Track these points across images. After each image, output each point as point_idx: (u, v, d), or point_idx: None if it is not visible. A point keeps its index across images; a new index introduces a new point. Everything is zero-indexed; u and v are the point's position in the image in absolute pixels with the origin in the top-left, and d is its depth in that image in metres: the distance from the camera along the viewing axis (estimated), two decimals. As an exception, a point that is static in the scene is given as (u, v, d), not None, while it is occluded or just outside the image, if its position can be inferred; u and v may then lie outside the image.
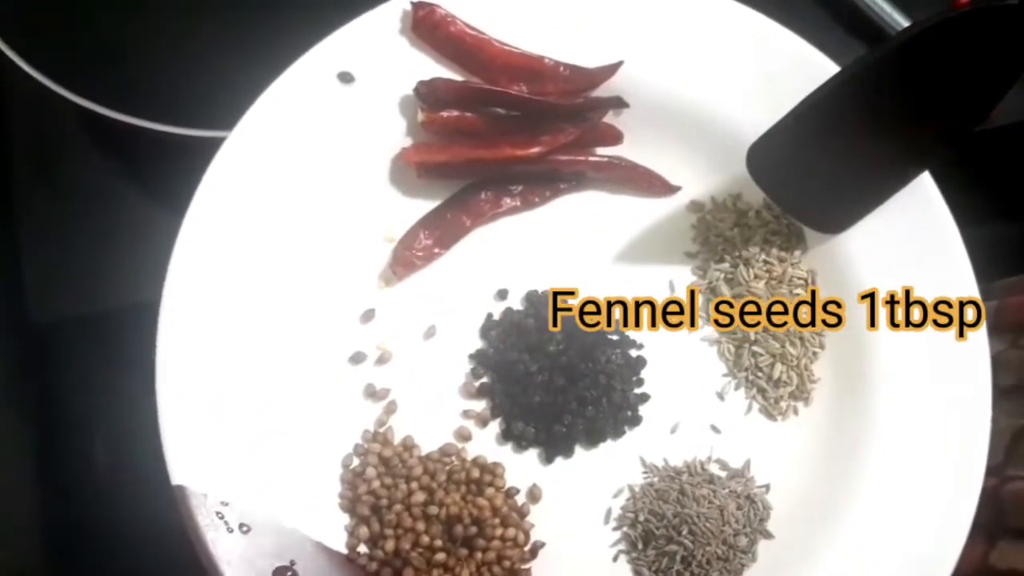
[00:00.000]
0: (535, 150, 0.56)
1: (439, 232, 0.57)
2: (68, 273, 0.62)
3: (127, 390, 0.63)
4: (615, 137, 0.58)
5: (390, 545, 0.51)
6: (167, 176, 0.57)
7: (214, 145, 0.53)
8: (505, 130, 0.57)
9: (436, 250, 0.57)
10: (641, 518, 0.54)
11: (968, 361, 0.54)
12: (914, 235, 0.56)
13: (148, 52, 0.60)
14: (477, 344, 0.57)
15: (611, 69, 0.57)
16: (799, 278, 0.57)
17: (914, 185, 0.55)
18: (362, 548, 0.52)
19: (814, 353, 0.57)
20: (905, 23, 0.62)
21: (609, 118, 0.58)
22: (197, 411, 0.50)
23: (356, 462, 0.54)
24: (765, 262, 0.57)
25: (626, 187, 0.59)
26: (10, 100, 0.64)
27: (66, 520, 0.67)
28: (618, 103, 0.58)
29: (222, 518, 0.49)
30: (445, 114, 0.56)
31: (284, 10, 0.60)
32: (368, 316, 0.56)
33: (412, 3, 0.55)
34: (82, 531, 0.65)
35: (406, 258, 0.56)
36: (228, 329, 0.52)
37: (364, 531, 0.52)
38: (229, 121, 0.53)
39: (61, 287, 0.62)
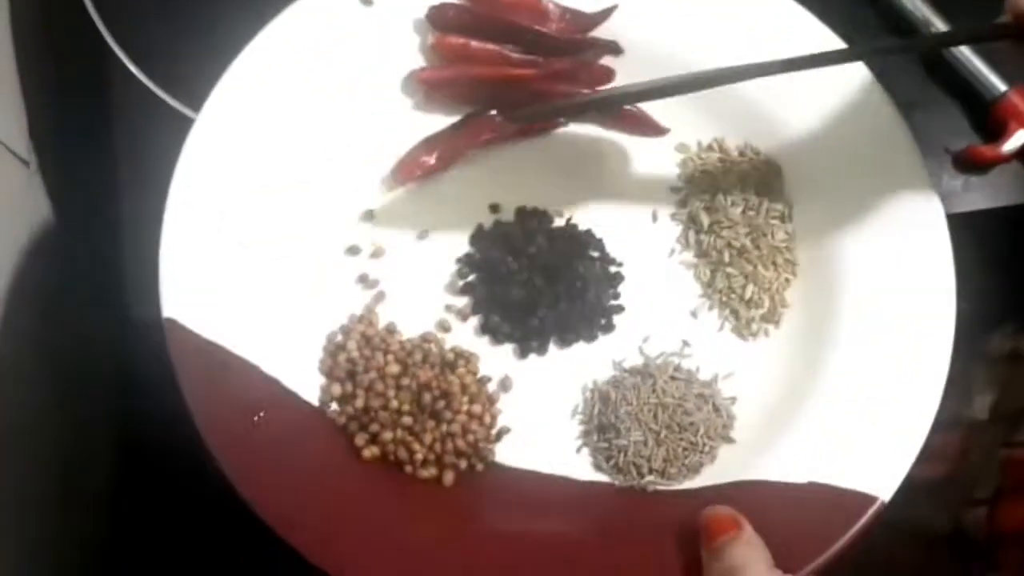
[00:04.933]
0: (532, 71, 0.61)
1: (440, 150, 0.62)
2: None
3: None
4: (608, 76, 0.63)
5: (360, 403, 0.54)
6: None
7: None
8: (507, 61, 0.62)
9: (436, 164, 0.62)
10: (595, 410, 0.56)
11: (931, 286, 0.57)
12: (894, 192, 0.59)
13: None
14: (467, 249, 0.61)
15: (606, 13, 0.63)
16: (776, 209, 0.60)
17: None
18: (333, 405, 0.55)
19: (787, 279, 0.59)
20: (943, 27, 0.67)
21: (605, 60, 0.64)
22: (197, 257, 0.55)
23: (340, 337, 0.57)
24: (742, 192, 0.61)
25: (618, 125, 0.63)
26: (120, 105, 0.66)
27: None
28: (614, 48, 0.63)
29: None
30: (453, 39, 0.62)
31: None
32: (368, 216, 0.61)
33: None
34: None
35: (407, 168, 0.61)
36: (240, 202, 0.57)
37: (337, 389, 0.55)
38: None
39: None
